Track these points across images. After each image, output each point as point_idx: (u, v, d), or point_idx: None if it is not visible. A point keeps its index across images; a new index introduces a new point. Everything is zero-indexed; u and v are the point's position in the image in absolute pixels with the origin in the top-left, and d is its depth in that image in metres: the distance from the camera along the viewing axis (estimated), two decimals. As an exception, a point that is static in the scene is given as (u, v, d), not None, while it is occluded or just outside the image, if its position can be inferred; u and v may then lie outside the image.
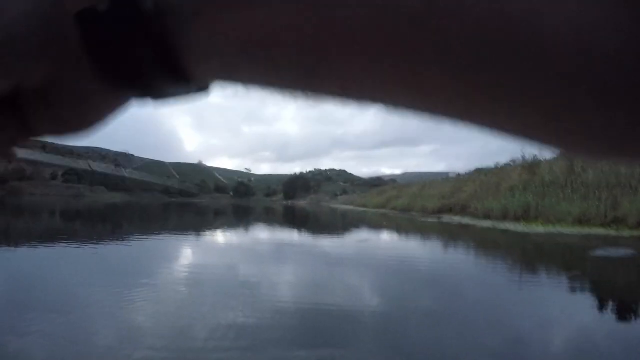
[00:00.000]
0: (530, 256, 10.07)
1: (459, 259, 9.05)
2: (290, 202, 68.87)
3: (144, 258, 8.25)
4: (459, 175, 30.80)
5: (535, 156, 22.83)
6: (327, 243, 12.52)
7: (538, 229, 14.51)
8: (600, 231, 12.44)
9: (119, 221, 20.48)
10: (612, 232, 12.09)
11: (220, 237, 13.87)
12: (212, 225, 19.13)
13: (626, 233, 11.72)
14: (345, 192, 62.13)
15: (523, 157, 23.26)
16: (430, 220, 21.42)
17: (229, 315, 4.13)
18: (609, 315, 4.80)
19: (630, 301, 5.44)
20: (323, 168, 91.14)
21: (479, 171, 27.61)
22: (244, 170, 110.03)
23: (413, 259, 8.58)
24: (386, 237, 14.25)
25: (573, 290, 5.98)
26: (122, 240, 11.46)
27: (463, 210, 22.06)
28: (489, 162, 28.20)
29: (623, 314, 4.88)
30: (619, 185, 13.89)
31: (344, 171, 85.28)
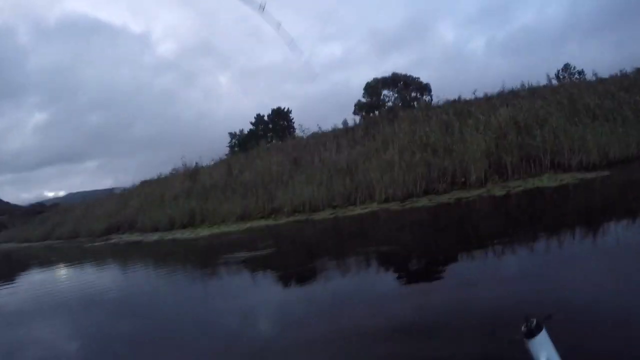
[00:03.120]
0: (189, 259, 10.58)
1: (134, 279, 8.99)
2: None
3: None
4: (124, 189, 28.28)
5: (196, 164, 23.05)
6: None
7: (204, 232, 14.20)
8: (262, 222, 12.99)
9: None
10: (271, 222, 12.79)
11: None
12: None
13: (283, 220, 12.57)
14: (3, 225, 49.16)
15: (184, 166, 23.09)
16: (98, 243, 19.07)
17: None
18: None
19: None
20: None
21: (143, 183, 25.98)
22: None
23: (89, 289, 8.24)
24: (59, 274, 12.44)
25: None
26: None
27: (131, 227, 20.20)
28: (154, 174, 26.88)
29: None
30: (272, 181, 15.00)
31: (-1, 200, 67.92)
